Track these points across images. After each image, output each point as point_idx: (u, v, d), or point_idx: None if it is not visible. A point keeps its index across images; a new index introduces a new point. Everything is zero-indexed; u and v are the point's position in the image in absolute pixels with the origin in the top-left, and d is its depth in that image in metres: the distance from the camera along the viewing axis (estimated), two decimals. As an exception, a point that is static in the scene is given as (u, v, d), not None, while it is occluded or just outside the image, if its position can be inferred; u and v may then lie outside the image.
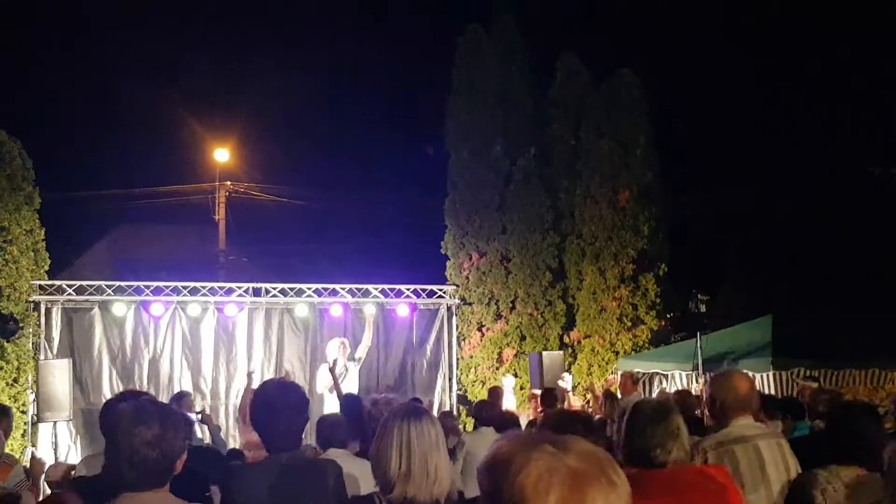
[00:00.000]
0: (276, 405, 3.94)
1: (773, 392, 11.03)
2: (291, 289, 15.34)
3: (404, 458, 3.01)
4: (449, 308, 16.53)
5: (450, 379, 16.50)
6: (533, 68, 18.34)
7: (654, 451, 3.29)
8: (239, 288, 15.17)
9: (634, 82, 17.33)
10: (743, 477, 3.94)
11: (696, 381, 12.29)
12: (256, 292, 15.19)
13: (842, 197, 20.12)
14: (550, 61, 18.26)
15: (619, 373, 12.63)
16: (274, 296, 15.20)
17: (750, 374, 10.59)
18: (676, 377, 13.74)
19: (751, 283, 21.30)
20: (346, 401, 8.28)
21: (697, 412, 7.35)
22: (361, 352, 13.51)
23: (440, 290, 16.60)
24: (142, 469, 2.81)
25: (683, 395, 8.23)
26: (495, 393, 10.73)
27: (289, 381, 4.57)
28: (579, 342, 16.89)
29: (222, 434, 8.90)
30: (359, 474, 4.38)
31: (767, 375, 11.69)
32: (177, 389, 13.02)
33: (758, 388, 10.28)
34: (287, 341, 15.22)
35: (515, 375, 16.27)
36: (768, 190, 22.16)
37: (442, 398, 16.23)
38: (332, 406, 11.27)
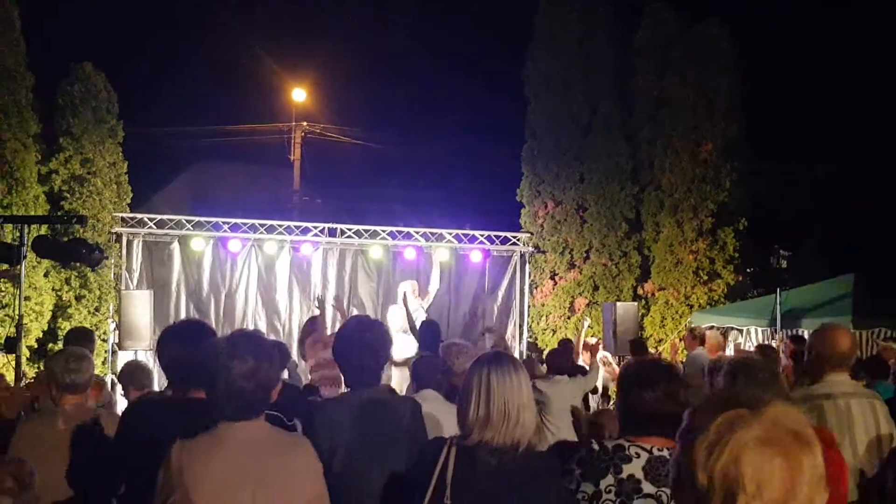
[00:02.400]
0: (356, 341, 3.97)
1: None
2: (366, 230, 15.42)
3: (482, 402, 3.03)
4: (522, 255, 16.46)
5: (520, 326, 16.48)
6: (617, 16, 17.89)
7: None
8: (315, 228, 15.29)
9: (722, 33, 16.84)
10: (833, 433, 3.83)
11: (773, 338, 12.06)
12: (332, 233, 15.31)
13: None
14: (636, 7, 17.80)
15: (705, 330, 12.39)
16: (349, 237, 15.30)
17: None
18: (752, 333, 13.49)
19: (834, 242, 20.80)
20: (427, 329, 8.35)
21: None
22: (431, 294, 13.59)
23: (514, 237, 16.52)
24: (239, 401, 2.86)
25: (765, 350, 8.06)
26: (567, 343, 10.71)
27: (372, 318, 4.58)
28: (653, 294, 16.68)
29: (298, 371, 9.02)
30: (443, 418, 4.38)
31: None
32: (251, 326, 13.25)
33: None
34: (360, 282, 15.36)
35: (588, 326, 16.15)
36: (856, 151, 21.50)
37: (512, 345, 16.22)
38: (403, 347, 11.38)
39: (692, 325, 12.22)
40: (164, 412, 3.58)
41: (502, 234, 16.45)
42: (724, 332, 13.96)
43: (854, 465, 3.85)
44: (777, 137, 20.99)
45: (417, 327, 9.15)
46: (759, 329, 13.34)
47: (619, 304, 14.38)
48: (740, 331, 13.90)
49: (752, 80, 17.30)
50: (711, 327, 13.25)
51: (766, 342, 12.42)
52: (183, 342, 3.64)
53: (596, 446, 3.01)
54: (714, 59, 16.67)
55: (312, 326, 9.01)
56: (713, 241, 16.36)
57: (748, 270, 17.10)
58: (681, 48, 16.89)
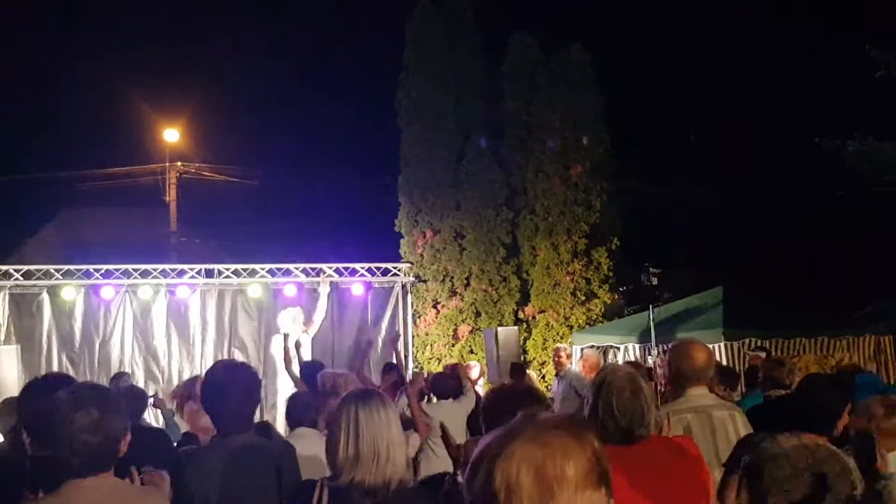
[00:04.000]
0: (225, 386, 3.89)
1: (724, 362, 11.14)
2: (245, 269, 15.17)
3: (352, 441, 3.00)
4: (403, 286, 16.45)
5: (406, 357, 16.46)
6: (484, 45, 18.27)
7: (633, 426, 3.25)
8: (191, 270, 14.95)
9: (584, 58, 17.40)
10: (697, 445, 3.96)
11: (650, 354, 12.40)
12: (209, 273, 15.00)
13: (787, 172, 20.46)
14: (501, 38, 18.21)
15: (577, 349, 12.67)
16: (227, 277, 15.02)
17: (702, 345, 10.71)
18: (630, 350, 13.84)
19: (701, 257, 21.59)
20: (308, 369, 8.24)
21: (652, 384, 7.38)
22: (315, 324, 13.49)
23: (395, 267, 16.53)
24: (85, 455, 2.75)
25: (634, 366, 8.28)
26: (453, 368, 10.75)
27: (239, 361, 4.51)
28: (534, 317, 16.95)
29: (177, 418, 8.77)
30: (323, 454, 4.34)
31: (719, 346, 11.82)
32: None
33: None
34: (241, 322, 15.03)
35: (471, 352, 16.32)
36: (718, 166, 22.44)
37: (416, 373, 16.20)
38: (289, 380, 11.22)
39: (558, 346, 12.41)
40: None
41: (383, 265, 16.43)
42: (604, 351, 14.31)
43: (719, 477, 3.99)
44: (641, 156, 21.70)
45: (300, 361, 9.02)
46: (637, 346, 13.70)
47: (499, 329, 14.54)
48: (618, 348, 14.24)
49: (614, 102, 17.89)
50: (591, 346, 13.56)
51: (643, 358, 12.77)
52: (42, 398, 3.51)
53: (461, 478, 3.04)
54: (578, 84, 17.19)
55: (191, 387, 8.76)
56: (588, 262, 16.78)
57: (621, 289, 17.57)
58: (546, 74, 17.36)
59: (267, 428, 4.81)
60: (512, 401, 3.09)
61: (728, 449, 4.05)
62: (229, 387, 3.87)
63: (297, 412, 5.27)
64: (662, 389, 6.80)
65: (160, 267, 14.92)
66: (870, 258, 21.70)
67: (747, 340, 11.83)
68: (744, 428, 4.16)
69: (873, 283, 22.28)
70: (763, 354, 9.57)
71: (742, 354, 11.70)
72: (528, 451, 1.38)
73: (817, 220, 21.28)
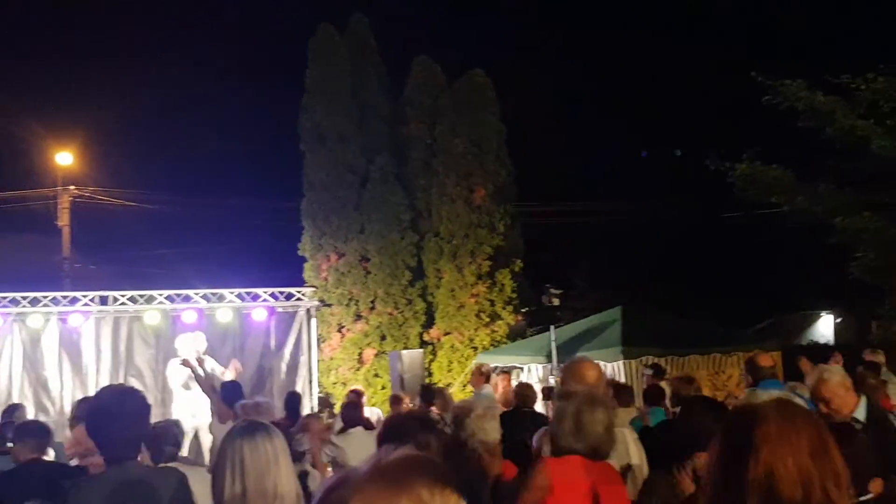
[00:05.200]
0: (113, 413, 3.77)
1: (623, 380, 11.36)
2: (141, 295, 14.78)
3: (238, 478, 2.90)
4: (308, 310, 16.27)
5: (310, 382, 16.28)
6: (387, 68, 18.36)
7: (601, 446, 3.31)
8: (84, 297, 14.50)
9: (486, 83, 17.63)
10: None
11: (552, 374, 12.55)
12: (103, 301, 14.57)
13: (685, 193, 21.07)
14: (403, 62, 18.36)
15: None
16: (122, 303, 14.61)
17: (602, 363, 10.92)
18: (533, 370, 13.97)
19: (601, 278, 22.02)
20: (229, 390, 8.05)
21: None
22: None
23: (298, 292, 16.35)
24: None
25: (524, 388, 8.38)
26: (358, 394, 10.70)
27: (128, 386, 4.39)
28: (439, 340, 17.01)
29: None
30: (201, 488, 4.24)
31: (618, 365, 12.05)
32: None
33: (610, 376, 10.62)
34: (137, 350, 14.60)
35: (376, 375, 16.27)
36: (615, 189, 22.97)
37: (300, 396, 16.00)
38: (185, 404, 10.96)
39: (478, 363, 12.52)
40: None
41: (286, 289, 16.23)
42: (508, 371, 14.40)
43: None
44: (542, 180, 22.07)
45: (212, 383, 8.82)
46: (540, 366, 13.84)
47: (404, 352, 14.53)
48: (521, 368, 14.36)
49: (516, 127, 18.16)
50: (495, 367, 13.64)
51: (545, 378, 12.91)
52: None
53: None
54: (481, 108, 17.40)
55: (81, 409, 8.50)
56: (492, 284, 16.94)
57: (524, 310, 17.80)
58: (449, 98, 17.52)
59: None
60: (405, 428, 3.09)
61: (619, 467, 4.13)
62: (117, 413, 3.75)
63: (155, 447, 5.10)
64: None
65: (51, 294, 14.42)
66: (761, 277, 22.51)
67: (645, 358, 12.07)
68: (634, 446, 4.25)
69: (765, 301, 23.17)
70: (650, 372, 9.79)
71: (641, 372, 11.93)
72: (346, 502, 1.38)
73: (713, 240, 21.97)
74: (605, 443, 3.28)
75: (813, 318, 26.04)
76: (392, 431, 3.14)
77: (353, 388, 12.77)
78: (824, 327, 25.94)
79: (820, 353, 13.22)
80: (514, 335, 16.82)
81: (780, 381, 6.47)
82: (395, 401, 10.87)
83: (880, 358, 9.05)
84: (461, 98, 17.51)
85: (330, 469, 7.69)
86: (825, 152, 13.09)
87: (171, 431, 5.30)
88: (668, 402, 8.11)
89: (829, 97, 11.93)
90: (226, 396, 7.98)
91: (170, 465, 4.81)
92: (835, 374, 4.48)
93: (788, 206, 13.18)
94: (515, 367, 14.43)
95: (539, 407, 9.32)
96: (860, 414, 4.36)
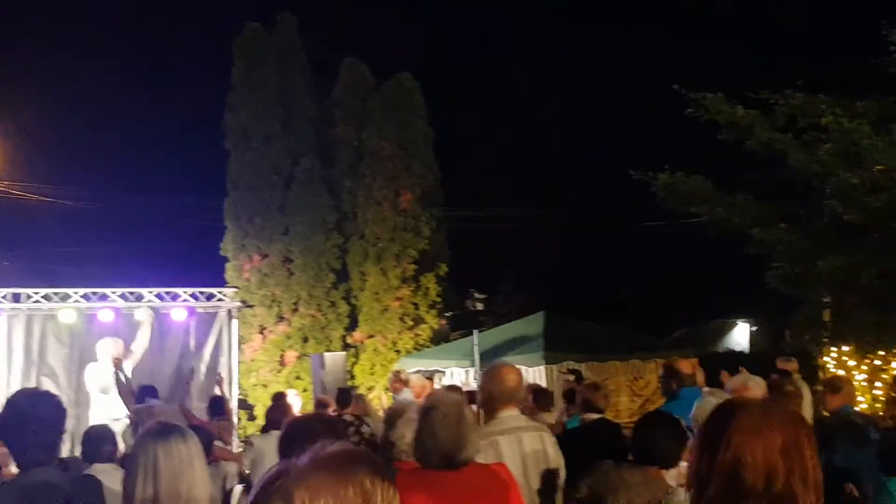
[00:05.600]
0: (25, 417, 3.66)
1: (545, 385, 11.47)
2: (56, 293, 14.38)
3: (150, 482, 2.85)
4: (229, 311, 16.04)
5: (230, 383, 16.05)
6: (314, 69, 18.24)
7: (454, 452, 3.29)
8: (-4, 293, 14.07)
9: (414, 86, 17.65)
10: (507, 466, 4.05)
11: (474, 378, 12.60)
12: (16, 298, 14.13)
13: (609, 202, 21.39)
14: (331, 63, 18.26)
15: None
16: (36, 301, 14.21)
17: (523, 368, 11.00)
18: (455, 374, 14.02)
19: (525, 284, 22.22)
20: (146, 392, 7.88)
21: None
22: (136, 354, 12.95)
23: (220, 292, 16.11)
24: None
25: (453, 390, 8.41)
26: (281, 396, 10.63)
27: (43, 390, 4.26)
28: (362, 342, 16.95)
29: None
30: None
31: (540, 369, 12.17)
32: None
33: (531, 381, 10.70)
34: (50, 350, 14.19)
35: (298, 378, 16.12)
36: (541, 196, 23.19)
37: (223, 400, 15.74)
38: (103, 408, 10.70)
39: (396, 369, 12.52)
40: None
41: (207, 290, 15.97)
42: (430, 375, 14.42)
43: (530, 499, 4.09)
44: (470, 184, 22.20)
45: (129, 388, 8.65)
46: (463, 370, 13.89)
47: (326, 354, 14.42)
48: (444, 372, 14.39)
49: (444, 131, 18.23)
50: (418, 371, 13.64)
51: (467, 382, 12.95)
52: None
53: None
54: (409, 112, 17.41)
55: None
56: (417, 288, 16.95)
57: (448, 314, 17.86)
58: (377, 101, 17.49)
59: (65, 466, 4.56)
60: (307, 431, 3.07)
61: (537, 469, 4.17)
62: (30, 417, 3.65)
63: (91, 445, 4.99)
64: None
65: (-41, 291, 13.97)
66: (681, 285, 22.97)
67: (567, 364, 12.21)
68: (552, 449, 4.29)
69: (683, 309, 23.65)
70: (572, 377, 9.91)
71: (560, 377, 12.07)
72: (291, 491, 1.38)
73: (635, 248, 22.32)
74: (445, 450, 3.27)
75: (729, 326, 26.65)
76: (296, 434, 3.12)
77: (278, 391, 12.65)
78: (740, 335, 26.57)
79: (735, 360, 13.57)
80: (438, 339, 16.87)
81: (699, 388, 6.59)
82: (320, 405, 10.80)
83: (792, 366, 9.29)
84: (389, 101, 17.49)
85: (248, 471, 7.63)
86: (744, 165, 13.44)
87: (109, 431, 5.20)
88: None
89: (748, 111, 12.23)
90: (142, 402, 7.84)
91: (99, 466, 4.70)
92: (759, 386, 4.60)
93: (708, 217, 13.46)
94: (438, 371, 14.47)
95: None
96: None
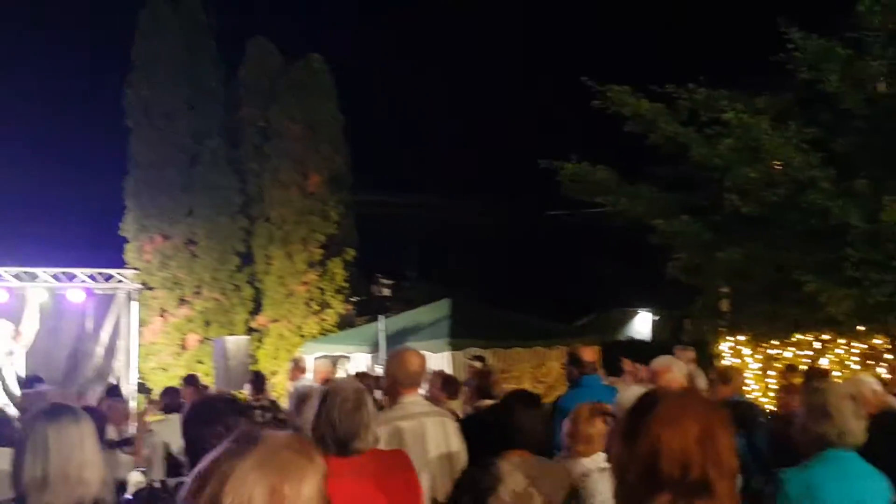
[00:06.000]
0: None
1: (450, 371, 11.51)
2: (-56, 272, 13.82)
3: (39, 463, 2.76)
4: (129, 293, 15.66)
5: (128, 367, 15.66)
6: (221, 48, 17.83)
7: (351, 439, 3.25)
8: None
9: (324, 68, 17.44)
10: (409, 453, 4.03)
11: (378, 363, 12.58)
12: None
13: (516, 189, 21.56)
14: (238, 41, 17.88)
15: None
16: (-78, 280, 13.63)
17: (429, 354, 11.01)
18: (361, 360, 13.96)
19: (432, 270, 22.27)
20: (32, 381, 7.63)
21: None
22: (27, 337, 12.53)
23: (119, 274, 15.69)
24: None
25: (362, 378, 8.37)
26: (192, 378, 10.48)
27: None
28: (266, 327, 16.75)
29: None
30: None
31: (445, 356, 12.21)
32: None
33: (437, 367, 10.71)
34: (-60, 330, 13.67)
35: (200, 362, 15.84)
36: (451, 181, 23.24)
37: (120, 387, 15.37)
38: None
39: (296, 356, 12.37)
40: None
41: (106, 271, 15.53)
42: (335, 361, 14.33)
43: (428, 484, 4.08)
44: (378, 170, 22.09)
45: (16, 373, 8.37)
46: (368, 355, 13.85)
47: (228, 338, 14.21)
48: (349, 358, 14.32)
49: (353, 115, 18.07)
50: (323, 356, 13.54)
51: (372, 367, 12.92)
52: None
53: (157, 484, 2.93)
54: (317, 94, 17.20)
55: None
56: (323, 272, 16.82)
57: (354, 299, 17.79)
58: (285, 82, 17.23)
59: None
60: (213, 412, 3.00)
61: (438, 455, 4.16)
62: None
63: None
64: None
65: None
66: (585, 274, 23.32)
67: (471, 350, 12.27)
68: (454, 436, 4.28)
69: (587, 298, 24.03)
70: (479, 364, 9.95)
71: (465, 363, 12.11)
72: (263, 472, 1.37)
73: (540, 236, 22.55)
74: (343, 437, 3.25)
75: (632, 315, 27.16)
76: (200, 414, 3.04)
77: (189, 374, 12.38)
78: (642, 324, 27.11)
79: (636, 349, 13.83)
80: (344, 324, 16.79)
81: (601, 377, 6.67)
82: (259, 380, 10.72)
83: (689, 354, 9.47)
84: (297, 82, 17.25)
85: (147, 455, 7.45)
86: (649, 157, 13.69)
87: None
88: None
89: (653, 104, 12.44)
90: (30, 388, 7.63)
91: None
92: (678, 369, 4.67)
93: (612, 207, 13.67)
94: (343, 357, 14.39)
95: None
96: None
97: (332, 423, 3.23)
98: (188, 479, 1.41)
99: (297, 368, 10.66)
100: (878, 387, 5.73)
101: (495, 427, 3.87)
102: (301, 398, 4.16)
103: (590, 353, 6.42)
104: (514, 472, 3.57)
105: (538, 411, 3.84)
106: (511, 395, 4.16)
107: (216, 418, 2.94)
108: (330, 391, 3.40)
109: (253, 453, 1.39)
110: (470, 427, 4.70)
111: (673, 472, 1.75)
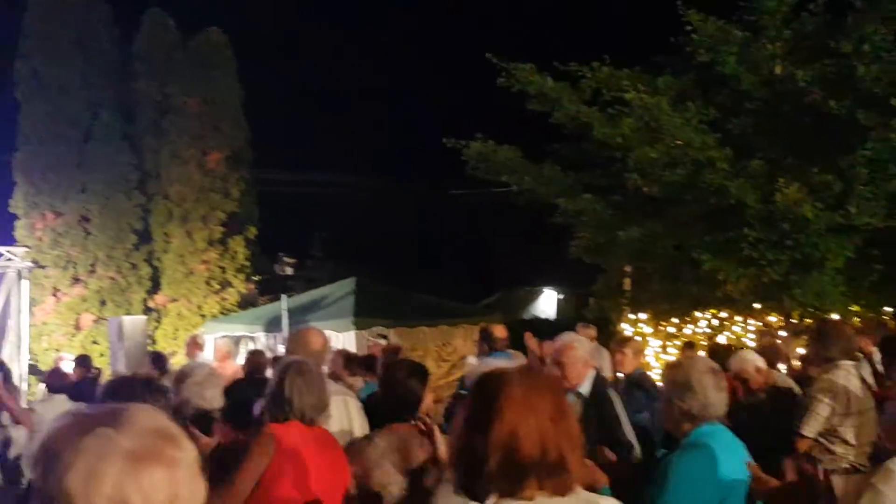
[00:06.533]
0: None
1: (354, 350, 11.41)
2: None
3: None
4: (19, 272, 15.03)
5: (19, 348, 15.07)
6: (117, 17, 17.20)
7: (318, 412, 3.22)
8: None
9: (224, 41, 17.03)
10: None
11: (280, 343, 12.41)
12: None
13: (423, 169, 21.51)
14: (134, 12, 17.28)
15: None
16: None
17: (334, 333, 10.91)
18: (262, 339, 13.75)
19: (337, 249, 22.11)
20: None
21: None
22: None
23: (9, 252, 15.04)
24: None
25: (256, 355, 8.21)
26: (77, 360, 10.19)
27: None
28: (165, 306, 16.35)
29: None
30: None
31: (350, 335, 12.11)
32: None
33: (341, 346, 10.62)
34: None
35: (95, 342, 15.37)
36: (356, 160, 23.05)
37: (10, 368, 14.77)
38: None
39: (194, 334, 12.10)
40: None
41: (-6, 248, 14.89)
42: (237, 341, 14.08)
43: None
44: (282, 147, 21.77)
45: None
46: (270, 335, 13.64)
47: (125, 318, 13.78)
48: (252, 338, 14.09)
49: (255, 91, 17.71)
50: (224, 336, 13.28)
51: (274, 347, 12.75)
52: None
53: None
54: (217, 68, 16.80)
55: None
56: (224, 251, 16.49)
57: (256, 278, 17.52)
58: (183, 55, 16.77)
59: None
60: (130, 390, 2.92)
61: (340, 432, 4.10)
62: None
63: None
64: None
65: None
66: (491, 253, 23.50)
67: (376, 329, 12.19)
68: (356, 413, 4.23)
69: (493, 277, 24.24)
70: (383, 342, 9.90)
71: (370, 342, 12.04)
72: (122, 456, 1.27)
73: (446, 216, 22.59)
74: (311, 408, 3.24)
75: (537, 294, 27.49)
76: (118, 393, 2.93)
77: (81, 354, 11.97)
78: (547, 303, 27.46)
79: (542, 327, 13.96)
80: (246, 304, 16.51)
81: (511, 354, 6.69)
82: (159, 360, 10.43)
83: (591, 332, 9.59)
84: (196, 56, 16.81)
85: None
86: (553, 136, 13.78)
87: None
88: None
89: (557, 83, 12.49)
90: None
91: None
92: (582, 346, 4.66)
93: (517, 186, 13.72)
94: (245, 336, 14.16)
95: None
96: (585, 388, 4.53)
97: (302, 392, 3.21)
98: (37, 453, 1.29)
99: (195, 345, 10.41)
100: (762, 364, 5.89)
101: (384, 401, 3.82)
102: (181, 377, 3.99)
103: (501, 331, 6.45)
104: (389, 444, 3.53)
105: (424, 382, 3.78)
106: (395, 364, 4.08)
107: (133, 397, 2.84)
108: (295, 364, 3.37)
109: (113, 434, 1.28)
110: (375, 403, 4.65)
111: (534, 455, 1.74)
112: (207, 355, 10.53)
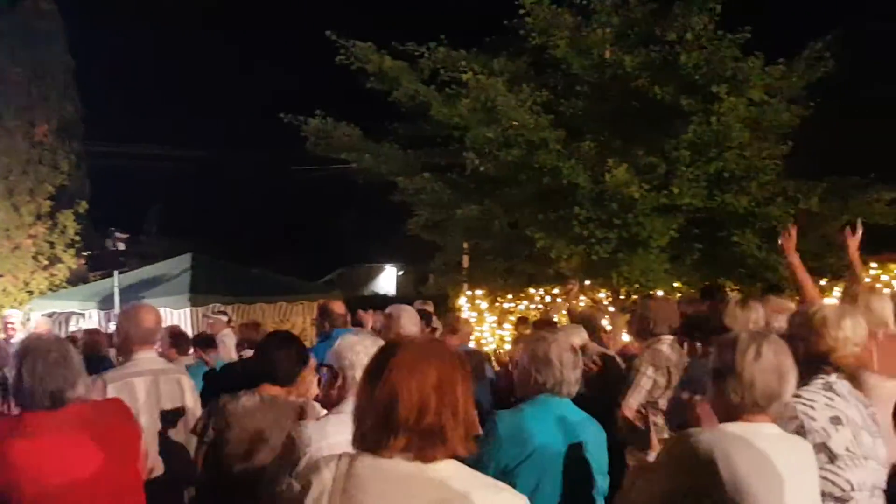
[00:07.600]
0: None
1: (190, 327, 11.28)
2: None
3: None
4: None
5: None
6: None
7: (61, 391, 3.14)
8: None
9: (53, 9, 16.31)
10: (141, 408, 3.98)
11: (111, 320, 12.12)
12: None
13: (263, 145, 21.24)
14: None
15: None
16: None
17: (169, 310, 10.76)
18: (94, 316, 13.37)
19: (173, 225, 21.61)
20: None
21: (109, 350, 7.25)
22: None
23: None
24: None
25: (92, 334, 8.02)
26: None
27: None
28: (-9, 283, 15.63)
29: None
30: None
31: (185, 311, 11.95)
32: None
33: (177, 323, 10.46)
34: None
35: None
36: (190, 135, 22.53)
37: None
38: None
39: (6, 313, 11.60)
40: None
41: None
42: (67, 318, 13.62)
43: (164, 441, 4.05)
44: (115, 119, 21.06)
45: None
46: (103, 312, 13.28)
47: (-55, 296, 13.14)
48: (82, 315, 13.66)
49: (86, 61, 17.06)
50: (53, 314, 12.86)
51: (106, 324, 12.43)
52: None
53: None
54: (45, 38, 16.10)
55: None
56: (53, 225, 15.90)
57: (86, 254, 16.97)
58: (9, 23, 15.96)
59: None
60: None
61: (173, 411, 4.14)
62: None
63: None
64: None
65: None
66: (331, 230, 23.52)
67: (213, 306, 12.06)
68: (189, 392, 4.27)
69: (333, 254, 24.26)
70: (224, 318, 9.84)
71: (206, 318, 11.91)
72: None
73: (285, 192, 22.45)
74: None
75: (377, 271, 27.64)
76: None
77: None
78: (387, 280, 27.67)
79: (381, 303, 14.13)
80: (76, 280, 15.96)
81: (352, 330, 6.79)
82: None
83: (429, 308, 9.83)
84: (22, 24, 16.01)
85: None
86: (392, 114, 13.91)
87: None
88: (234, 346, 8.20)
89: (396, 62, 12.61)
90: None
91: None
92: (410, 318, 4.85)
93: (357, 164, 13.79)
94: (75, 313, 13.72)
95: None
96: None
97: (39, 376, 3.13)
98: None
99: (9, 326, 9.97)
100: (586, 339, 6.23)
101: (251, 370, 3.89)
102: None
103: (340, 307, 6.54)
104: (256, 405, 3.62)
105: (293, 350, 3.88)
106: (268, 336, 4.17)
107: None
108: (30, 345, 3.29)
109: None
110: (226, 376, 4.70)
111: (409, 417, 1.83)
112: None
